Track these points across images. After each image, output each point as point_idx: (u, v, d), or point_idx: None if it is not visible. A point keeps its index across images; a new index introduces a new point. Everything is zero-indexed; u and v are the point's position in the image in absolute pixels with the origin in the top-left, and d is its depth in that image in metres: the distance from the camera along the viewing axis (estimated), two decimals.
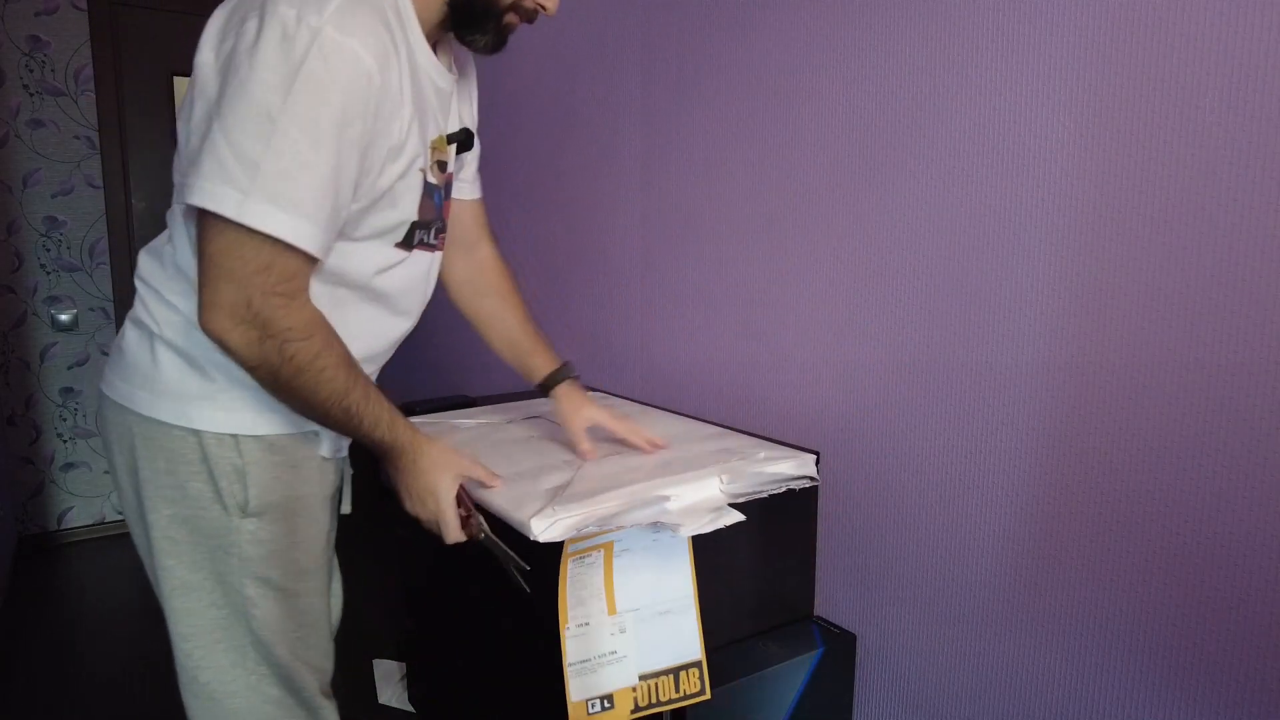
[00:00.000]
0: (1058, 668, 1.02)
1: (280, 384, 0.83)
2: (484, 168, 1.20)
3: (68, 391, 2.91)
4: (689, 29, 1.50)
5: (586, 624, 1.00)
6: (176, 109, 2.99)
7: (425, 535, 1.00)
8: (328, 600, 1.02)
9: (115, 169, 2.88)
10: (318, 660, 0.99)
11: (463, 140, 1.03)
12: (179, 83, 3.00)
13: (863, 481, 1.24)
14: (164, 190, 3.00)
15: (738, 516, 1.02)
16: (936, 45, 1.08)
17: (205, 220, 0.78)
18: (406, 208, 0.93)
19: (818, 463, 1.23)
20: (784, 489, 1.15)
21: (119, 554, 2.86)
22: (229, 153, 0.76)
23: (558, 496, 1.01)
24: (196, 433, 0.88)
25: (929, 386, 1.13)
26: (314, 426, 0.94)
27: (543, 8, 0.95)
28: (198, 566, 0.91)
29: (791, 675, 1.16)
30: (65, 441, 2.93)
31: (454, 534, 0.98)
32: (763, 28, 1.34)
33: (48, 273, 2.83)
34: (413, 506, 0.98)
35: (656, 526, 1.03)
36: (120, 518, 3.05)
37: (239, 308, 0.78)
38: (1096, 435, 0.95)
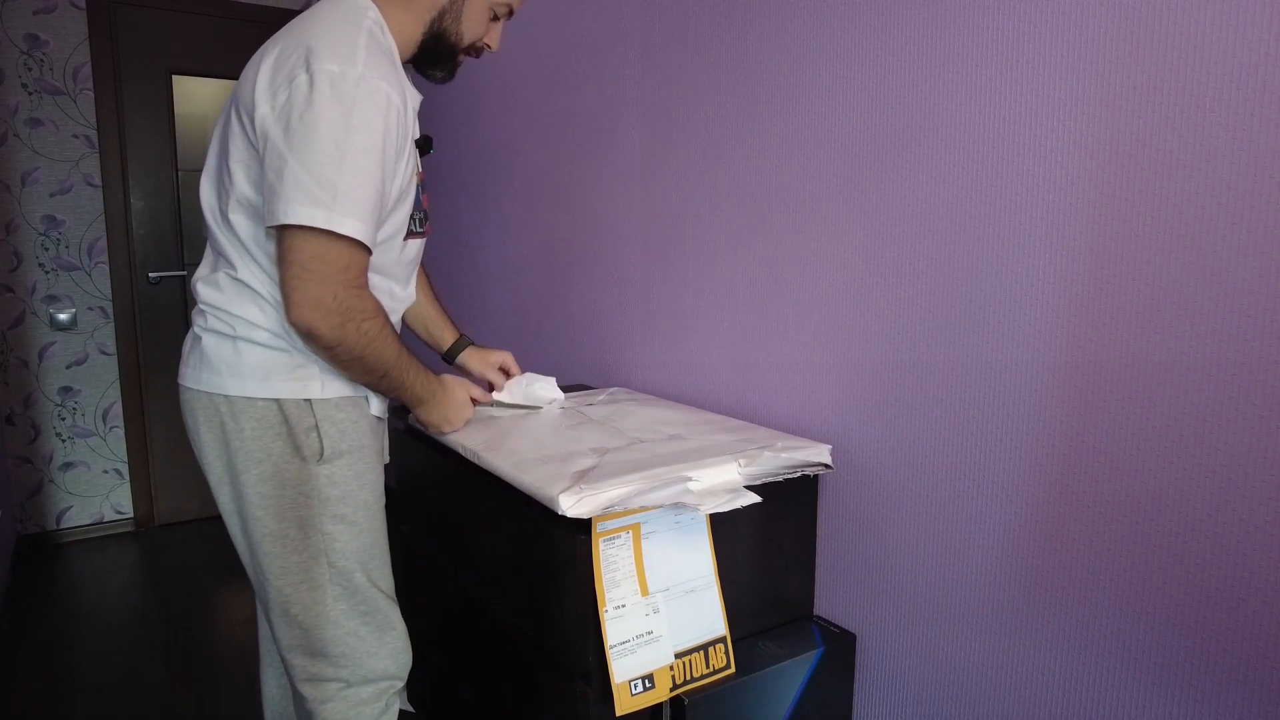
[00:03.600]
0: (1058, 667, 1.02)
1: (354, 357, 1.04)
2: (484, 167, 1.21)
3: (66, 391, 2.91)
4: (689, 26, 1.50)
5: (623, 605, 1.04)
6: (174, 108, 2.98)
7: (426, 534, 1.00)
8: (387, 536, 1.21)
9: (114, 168, 2.87)
10: (385, 580, 1.19)
11: (424, 144, 1.23)
12: (178, 81, 2.99)
13: (863, 481, 1.24)
14: (162, 189, 3.01)
15: (754, 498, 1.07)
16: (937, 43, 1.08)
17: (292, 234, 0.97)
18: (411, 202, 1.15)
19: (831, 452, 1.24)
20: (799, 474, 1.18)
21: (118, 554, 2.86)
22: (310, 179, 0.95)
23: (585, 477, 1.05)
24: (278, 401, 1.07)
25: (929, 386, 1.13)
26: (365, 391, 1.15)
27: (489, 47, 1.21)
28: (284, 516, 1.09)
29: (791, 675, 1.16)
30: (64, 441, 2.93)
31: (470, 417, 1.33)
32: (762, 26, 1.34)
33: (46, 272, 2.82)
34: (449, 423, 1.27)
35: (678, 508, 1.08)
36: (119, 517, 3.05)
37: (326, 300, 0.98)
38: (1097, 435, 0.95)
